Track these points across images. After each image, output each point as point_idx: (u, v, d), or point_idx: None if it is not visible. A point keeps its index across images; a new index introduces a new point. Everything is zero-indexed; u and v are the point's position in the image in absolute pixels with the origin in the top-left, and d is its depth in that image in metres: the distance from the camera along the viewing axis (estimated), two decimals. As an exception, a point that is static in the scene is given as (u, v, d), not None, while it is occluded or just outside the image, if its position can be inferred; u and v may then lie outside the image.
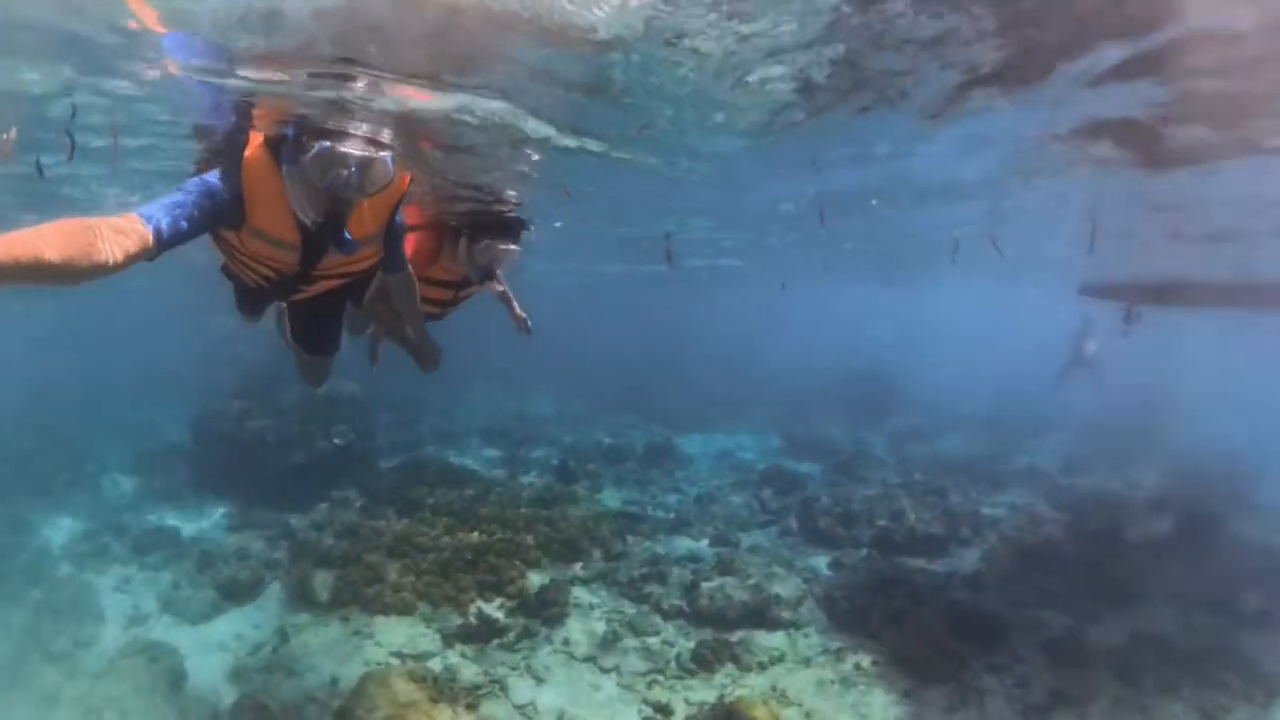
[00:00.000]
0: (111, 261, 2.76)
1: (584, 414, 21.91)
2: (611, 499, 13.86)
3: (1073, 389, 19.94)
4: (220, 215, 3.53)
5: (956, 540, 12.46)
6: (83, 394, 20.91)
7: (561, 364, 27.10)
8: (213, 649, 9.08)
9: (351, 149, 3.49)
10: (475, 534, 10.15)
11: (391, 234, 4.18)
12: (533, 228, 5.73)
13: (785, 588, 10.19)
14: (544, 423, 20.00)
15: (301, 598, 9.76)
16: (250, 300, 4.70)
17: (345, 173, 3.51)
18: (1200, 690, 8.45)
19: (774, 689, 8.19)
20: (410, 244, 5.15)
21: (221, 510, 12.85)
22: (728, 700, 7.38)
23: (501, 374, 25.24)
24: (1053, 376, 20.30)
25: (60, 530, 12.36)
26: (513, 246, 5.25)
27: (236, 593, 10.08)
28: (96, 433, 17.12)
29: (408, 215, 5.73)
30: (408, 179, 4.12)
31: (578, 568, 10.39)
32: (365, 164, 3.54)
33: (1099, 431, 19.78)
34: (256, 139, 3.69)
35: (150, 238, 3.05)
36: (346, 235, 3.71)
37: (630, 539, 11.70)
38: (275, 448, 13.11)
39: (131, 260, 2.92)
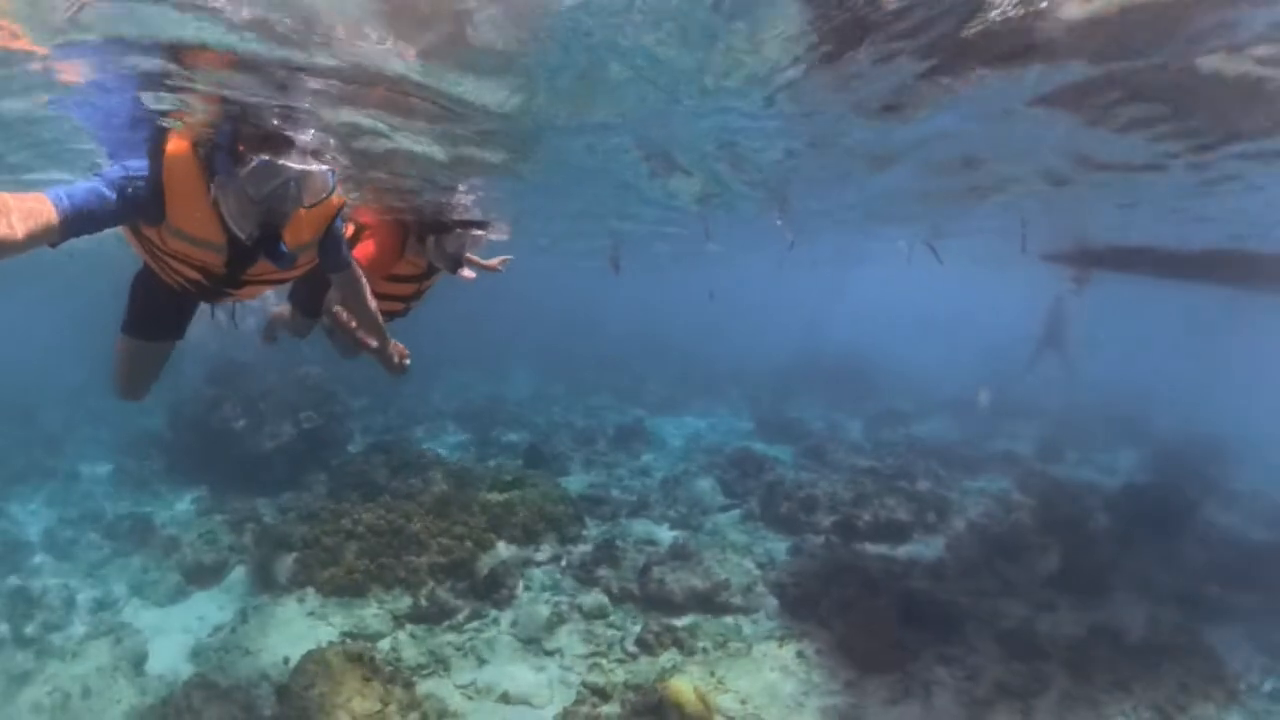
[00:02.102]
0: (10, 239, 2.73)
1: (560, 396, 22.01)
2: (576, 482, 14.00)
3: (1046, 372, 20.01)
4: (136, 209, 3.40)
5: (922, 527, 12.39)
6: (63, 382, 21.23)
7: (541, 346, 27.30)
8: (176, 630, 9.37)
9: (290, 162, 3.38)
10: (431, 517, 10.37)
11: (330, 241, 4.04)
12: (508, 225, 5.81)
13: (738, 573, 10.25)
14: (519, 406, 20.10)
15: (263, 580, 10.05)
16: (159, 314, 4.55)
17: (283, 187, 3.40)
18: (1156, 687, 8.33)
19: (712, 675, 8.25)
20: (373, 244, 5.27)
21: (193, 496, 13.11)
22: (659, 686, 7.50)
23: (480, 357, 25.42)
24: (1025, 360, 20.38)
25: (36, 517, 12.67)
26: (481, 232, 5.39)
27: (201, 576, 10.37)
28: (76, 421, 17.42)
29: (363, 216, 5.90)
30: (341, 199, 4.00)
31: (531, 551, 10.57)
32: (304, 178, 3.44)
33: (1078, 417, 19.88)
34: (181, 138, 3.56)
35: (55, 220, 2.98)
36: (283, 248, 3.60)
37: (589, 521, 11.86)
38: (245, 434, 13.35)
39: (33, 240, 2.89)
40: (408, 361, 4.94)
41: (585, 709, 7.51)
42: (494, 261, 6.46)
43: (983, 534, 11.92)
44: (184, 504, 12.91)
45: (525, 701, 7.85)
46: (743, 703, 7.87)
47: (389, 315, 5.70)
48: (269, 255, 3.58)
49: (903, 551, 11.63)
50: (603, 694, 7.90)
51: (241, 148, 3.40)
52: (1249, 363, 33.34)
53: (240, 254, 3.67)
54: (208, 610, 9.76)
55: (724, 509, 13.20)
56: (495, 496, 11.20)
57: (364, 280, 4.46)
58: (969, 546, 11.61)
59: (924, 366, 25.97)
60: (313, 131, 4.84)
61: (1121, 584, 10.48)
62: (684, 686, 7.37)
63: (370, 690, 7.08)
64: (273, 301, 7.40)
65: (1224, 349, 34.04)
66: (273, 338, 6.66)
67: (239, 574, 10.48)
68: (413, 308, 5.94)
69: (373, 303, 4.56)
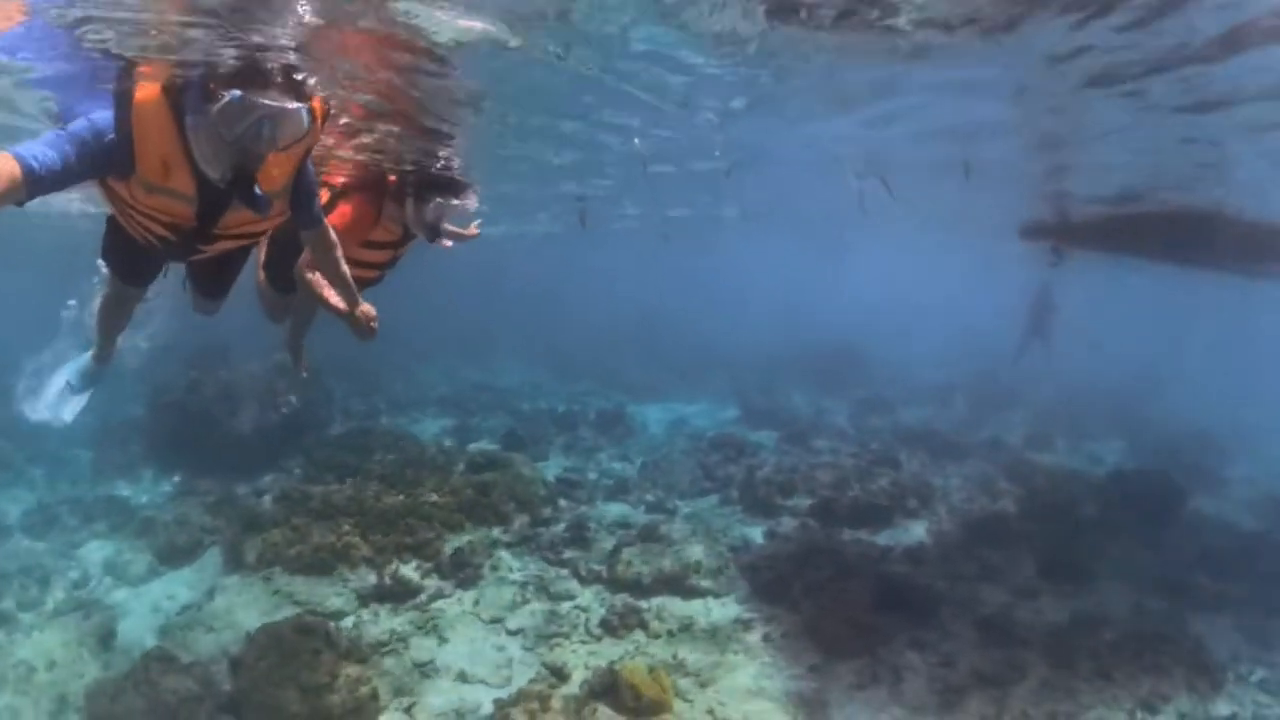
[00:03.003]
0: None
1: (546, 382, 21.99)
2: (553, 466, 14.03)
3: (1033, 361, 19.90)
4: (106, 162, 3.28)
5: (903, 512, 12.27)
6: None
7: (529, 333, 27.32)
8: (145, 609, 9.42)
9: (265, 99, 3.21)
10: (401, 498, 10.40)
11: (300, 187, 3.91)
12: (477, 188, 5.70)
13: (710, 556, 10.16)
14: (503, 391, 20.11)
15: (233, 560, 10.07)
16: (133, 261, 4.48)
17: (257, 126, 3.24)
18: (1138, 676, 8.12)
19: (674, 657, 8.22)
20: (348, 210, 5.17)
21: (171, 479, 13.14)
22: (616, 668, 7.49)
23: (467, 343, 25.43)
24: (1013, 347, 20.25)
25: (17, 503, 12.70)
26: (459, 202, 5.27)
27: (174, 556, 10.40)
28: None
29: (339, 178, 5.81)
30: (320, 128, 3.82)
31: (500, 532, 10.59)
32: (279, 116, 3.27)
33: (1070, 406, 19.74)
34: (151, 82, 3.40)
35: (20, 177, 2.91)
36: (258, 191, 3.48)
37: (564, 504, 11.88)
38: (224, 418, 13.40)
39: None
40: (375, 325, 4.84)
41: (541, 688, 7.48)
42: (470, 229, 6.32)
43: (965, 520, 11.85)
44: (162, 487, 12.97)
45: (482, 680, 7.86)
46: (703, 686, 7.82)
47: (364, 283, 5.64)
48: (243, 199, 3.47)
49: (882, 536, 11.50)
50: (561, 674, 7.88)
51: (213, 85, 3.24)
52: (1243, 352, 33.18)
53: (212, 203, 3.55)
54: (178, 589, 9.79)
55: (702, 493, 13.16)
56: (469, 478, 11.23)
57: (336, 240, 4.41)
58: (950, 532, 11.53)
59: (914, 354, 25.83)
60: (287, 63, 4.73)
61: (1107, 572, 10.32)
62: (639, 668, 7.36)
63: (320, 663, 7.09)
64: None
65: (1217, 338, 33.94)
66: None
67: (212, 554, 10.49)
68: (387, 275, 5.89)
69: (344, 263, 4.50)
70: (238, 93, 3.16)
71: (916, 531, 11.73)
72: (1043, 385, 20.23)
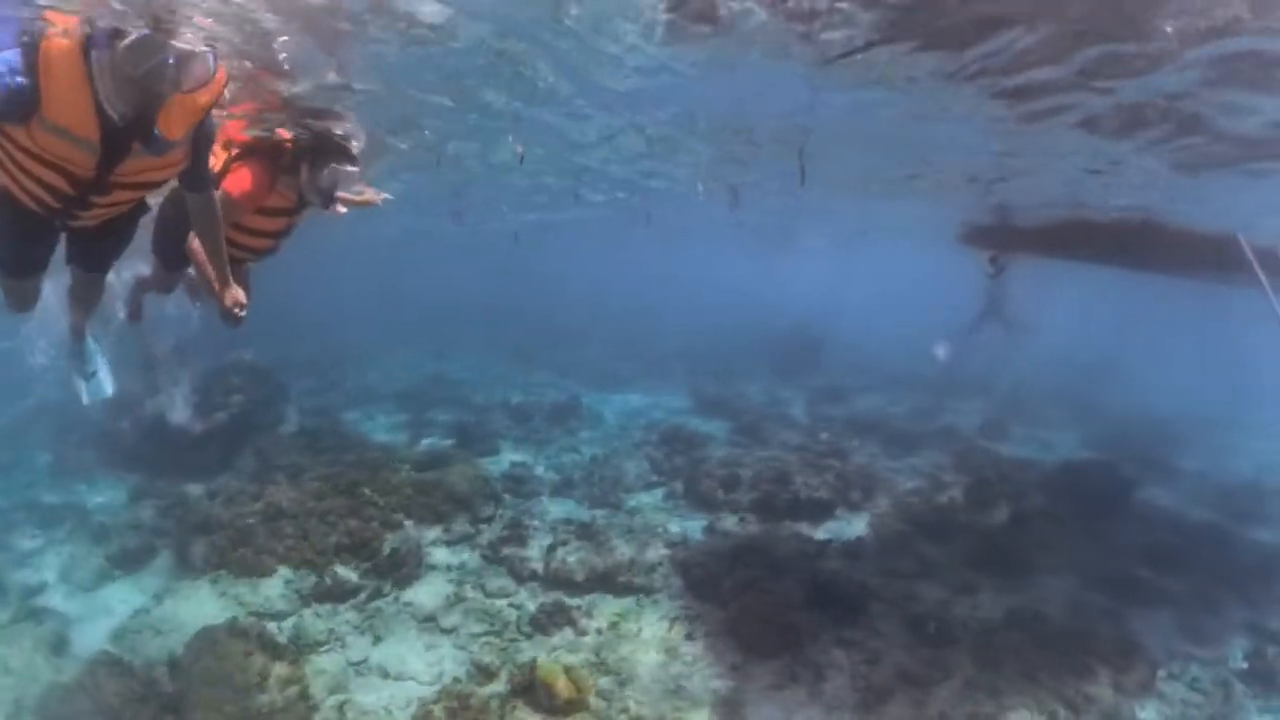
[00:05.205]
0: None
1: (504, 374, 22.13)
2: (502, 461, 14.29)
3: (990, 346, 20.19)
4: (9, 103, 3.29)
5: (846, 505, 12.41)
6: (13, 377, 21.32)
7: (488, 325, 27.44)
8: (99, 614, 9.66)
9: (172, 40, 3.28)
10: (344, 498, 10.74)
11: (200, 139, 3.95)
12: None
13: (647, 552, 10.46)
14: (459, 384, 20.28)
15: (183, 563, 10.37)
16: (18, 245, 4.37)
17: (162, 65, 3.27)
18: (1065, 675, 8.14)
19: (598, 655, 8.49)
20: (245, 174, 5.18)
21: (126, 483, 13.35)
22: (535, 667, 7.79)
23: (427, 335, 25.54)
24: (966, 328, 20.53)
25: (-27, 509, 12.96)
26: (355, 169, 5.37)
27: (127, 561, 10.63)
28: (28, 414, 17.57)
29: (237, 136, 5.70)
30: (224, 78, 3.86)
31: (440, 530, 10.93)
32: (185, 57, 3.31)
33: (1028, 395, 20.05)
34: (58, 27, 3.41)
35: None
36: (157, 132, 3.51)
37: (508, 500, 12.20)
38: (179, 419, 13.64)
39: None
40: (241, 312, 4.86)
41: (466, 686, 7.87)
42: (370, 195, 6.46)
43: (907, 513, 11.92)
44: (117, 491, 13.17)
45: (412, 678, 8.22)
46: (621, 684, 8.08)
47: (260, 252, 5.80)
48: (142, 140, 3.51)
49: (821, 530, 11.66)
50: (488, 672, 8.18)
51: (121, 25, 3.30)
52: (1204, 345, 33.64)
53: (112, 147, 3.55)
54: (130, 594, 10.05)
55: (648, 487, 13.39)
56: (412, 476, 11.54)
57: (220, 212, 4.46)
58: (892, 525, 11.56)
59: (873, 344, 26.15)
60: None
61: (1049, 566, 10.44)
62: (556, 668, 7.68)
63: (251, 664, 7.48)
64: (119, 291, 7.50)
65: (1179, 332, 34.35)
66: (138, 315, 6.74)
67: (163, 558, 10.74)
68: (282, 245, 5.92)
69: (223, 240, 4.55)
70: (146, 31, 3.23)
71: (858, 525, 11.87)
72: (1001, 372, 20.57)
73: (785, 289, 38.93)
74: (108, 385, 6.36)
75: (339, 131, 7.86)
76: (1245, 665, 8.97)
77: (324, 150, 5.36)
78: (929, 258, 23.47)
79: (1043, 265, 15.42)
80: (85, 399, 6.36)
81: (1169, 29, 5.28)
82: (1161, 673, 8.56)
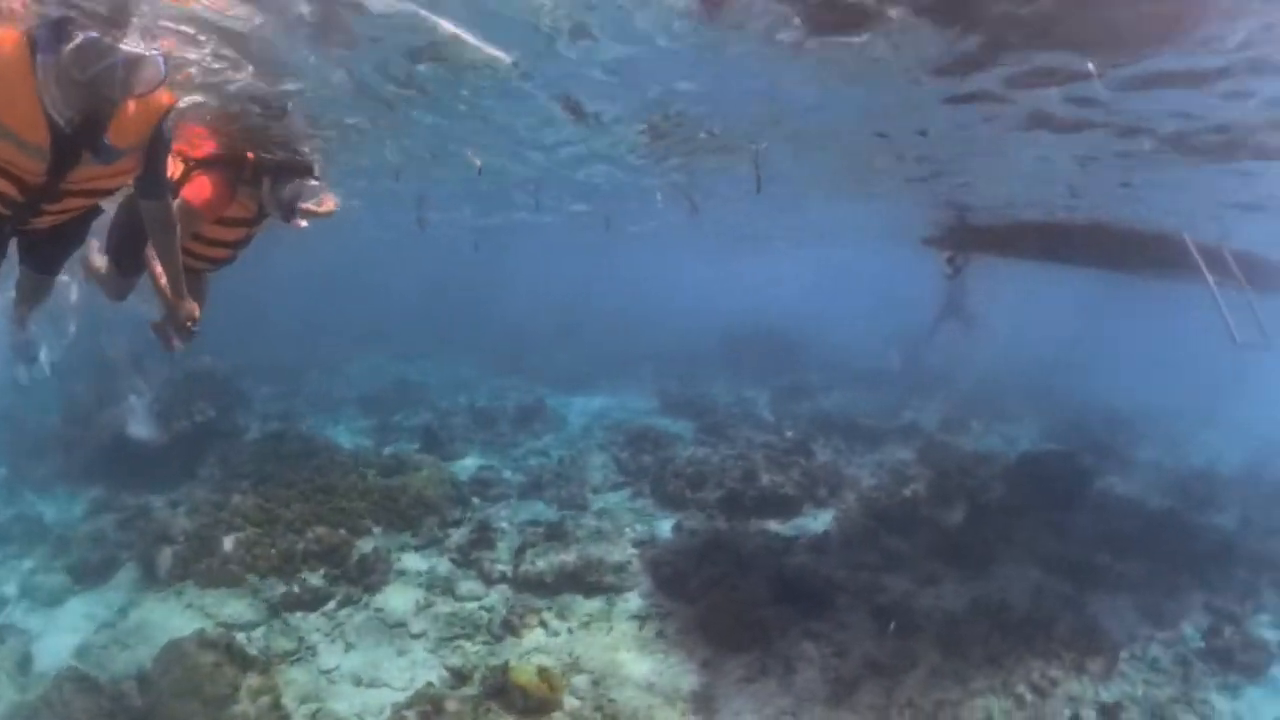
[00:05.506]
0: None
1: (470, 378, 22.10)
2: (469, 464, 14.30)
3: (950, 343, 20.55)
4: None
5: (812, 501, 12.60)
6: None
7: (455, 329, 27.35)
8: (63, 630, 9.53)
9: (121, 43, 3.16)
10: (311, 505, 10.70)
11: (155, 147, 3.83)
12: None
13: (615, 552, 10.56)
14: (425, 389, 20.20)
15: (147, 575, 10.26)
16: None
17: (111, 69, 3.17)
18: (1030, 660, 8.38)
19: (570, 655, 8.58)
20: (205, 183, 5.12)
21: (87, 495, 13.13)
22: (506, 669, 7.86)
23: (392, 339, 25.42)
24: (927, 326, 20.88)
25: (-70, 526, 12.69)
26: (317, 182, 5.37)
27: (90, 575, 10.48)
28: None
29: (201, 146, 5.73)
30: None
31: (409, 536, 10.94)
32: (134, 61, 3.20)
33: (989, 390, 20.35)
34: (6, 22, 3.41)
35: None
36: (105, 140, 3.39)
37: (476, 503, 12.24)
38: (139, 429, 13.44)
39: None
40: (193, 327, 4.79)
41: (440, 690, 7.91)
42: (330, 204, 6.32)
43: (872, 507, 12.10)
44: (77, 503, 12.98)
45: (385, 684, 8.27)
46: (595, 683, 8.20)
47: (217, 262, 5.74)
48: (90, 147, 3.39)
49: (788, 526, 11.85)
50: (461, 676, 8.25)
51: (68, 26, 3.16)
52: (1159, 340, 34.45)
53: (62, 154, 3.44)
54: (95, 609, 9.91)
55: (615, 488, 13.51)
56: (378, 482, 11.54)
57: (175, 220, 4.33)
58: (856, 520, 11.75)
59: (837, 343, 26.41)
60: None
61: (1011, 555, 10.70)
62: (528, 669, 7.78)
63: (222, 675, 7.46)
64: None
65: (1136, 326, 35.13)
66: (24, 322, 6.58)
67: (127, 571, 10.60)
68: (239, 255, 5.87)
69: (179, 250, 4.46)
70: (94, 34, 3.11)
71: (823, 520, 12.07)
72: (962, 369, 20.87)
73: (750, 290, 39.20)
74: (46, 368, 6.48)
75: (301, 149, 7.93)
76: (1203, 644, 9.39)
77: (287, 166, 5.36)
78: (892, 258, 23.75)
79: (1000, 264, 15.76)
80: (24, 380, 6.49)
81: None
82: (1123, 654, 8.90)
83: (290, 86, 6.80)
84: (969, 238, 15.02)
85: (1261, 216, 11.09)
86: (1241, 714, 8.52)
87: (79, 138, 3.34)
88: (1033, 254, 13.72)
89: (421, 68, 6.70)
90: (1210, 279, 8.25)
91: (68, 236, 4.59)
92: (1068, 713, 8.00)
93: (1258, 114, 6.88)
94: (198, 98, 6.65)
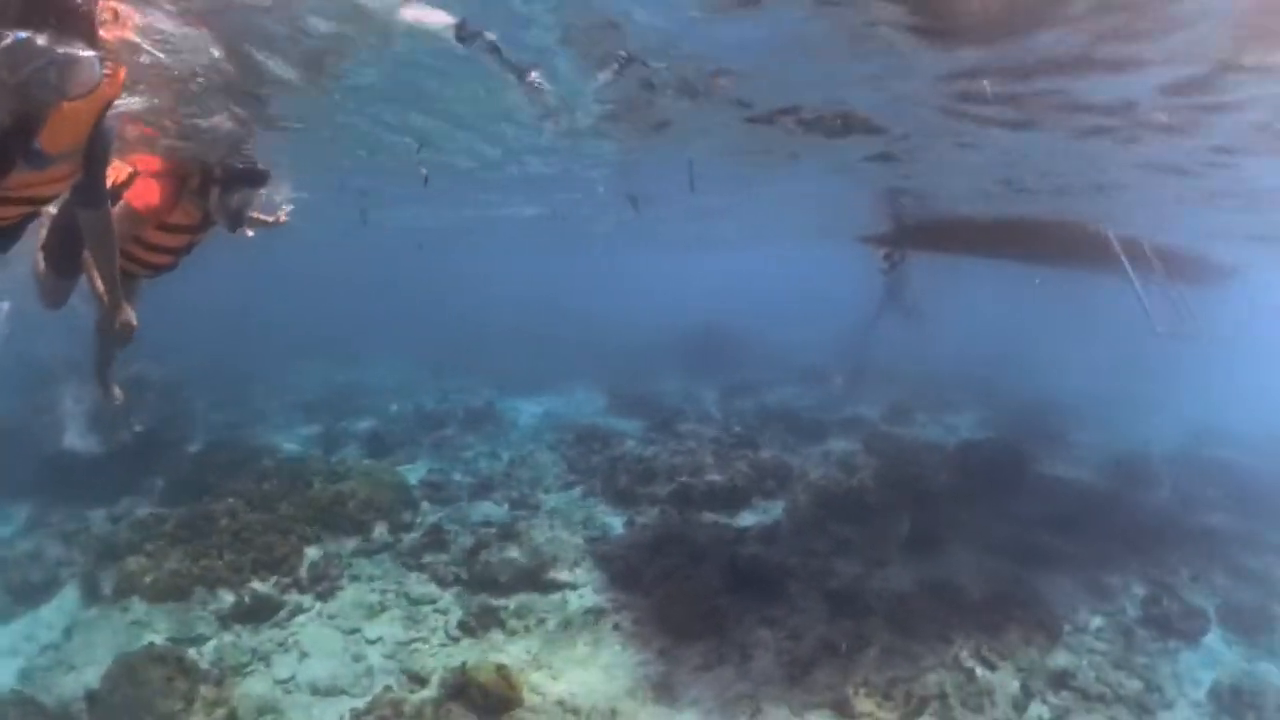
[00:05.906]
0: None
1: (419, 380, 21.96)
2: (418, 468, 14.23)
3: (891, 334, 20.95)
4: None
5: (760, 493, 12.86)
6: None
7: (402, 332, 27.10)
8: (3, 653, 9.23)
9: (52, 44, 2.96)
10: (258, 514, 10.57)
11: (94, 152, 3.62)
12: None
13: (568, 549, 10.65)
14: (374, 393, 20.02)
15: (90, 593, 10.02)
16: None
17: (43, 71, 3.00)
18: (977, 636, 8.73)
19: (528, 652, 8.68)
20: (150, 188, 5.04)
21: (21, 511, 12.71)
22: (465, 669, 7.90)
23: (339, 343, 25.12)
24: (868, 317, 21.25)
25: None
26: (264, 191, 5.33)
27: (30, 595, 10.17)
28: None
29: (146, 164, 5.43)
30: (121, 79, 3.53)
31: (358, 541, 10.87)
32: (67, 62, 3.02)
33: (931, 382, 20.91)
34: None
35: None
36: (36, 146, 3.21)
37: (427, 507, 12.20)
38: (75, 441, 13.11)
39: None
40: (129, 336, 4.73)
41: (398, 694, 7.92)
42: (278, 215, 6.38)
43: (820, 496, 12.32)
44: (11, 520, 12.60)
45: (343, 691, 8.23)
46: (554, 678, 8.31)
47: (158, 268, 5.64)
48: (20, 153, 3.19)
49: (739, 518, 12.10)
50: (420, 679, 8.28)
51: None
52: (1095, 329, 35.46)
53: None
54: (36, 630, 9.63)
55: (566, 486, 13.59)
56: (327, 488, 11.43)
57: (114, 230, 4.15)
58: (806, 510, 12.01)
59: (783, 340, 26.78)
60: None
61: (957, 538, 11.04)
62: (487, 667, 7.84)
63: (174, 689, 7.35)
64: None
65: (1072, 316, 36.12)
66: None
67: (69, 589, 10.34)
68: (180, 262, 5.77)
69: (116, 258, 4.29)
70: (23, 34, 2.93)
71: (773, 511, 12.35)
72: (904, 361, 21.39)
73: (698, 287, 39.51)
74: None
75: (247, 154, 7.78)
76: (1142, 613, 9.91)
77: (236, 176, 5.29)
78: (833, 254, 24.13)
79: (936, 259, 16.19)
80: None
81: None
82: (1067, 626, 9.35)
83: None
84: (904, 236, 15.41)
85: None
86: (1181, 676, 8.98)
87: (9, 144, 3.19)
88: (964, 249, 14.10)
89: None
90: (1131, 271, 8.57)
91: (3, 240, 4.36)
92: (1017, 683, 8.36)
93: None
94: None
